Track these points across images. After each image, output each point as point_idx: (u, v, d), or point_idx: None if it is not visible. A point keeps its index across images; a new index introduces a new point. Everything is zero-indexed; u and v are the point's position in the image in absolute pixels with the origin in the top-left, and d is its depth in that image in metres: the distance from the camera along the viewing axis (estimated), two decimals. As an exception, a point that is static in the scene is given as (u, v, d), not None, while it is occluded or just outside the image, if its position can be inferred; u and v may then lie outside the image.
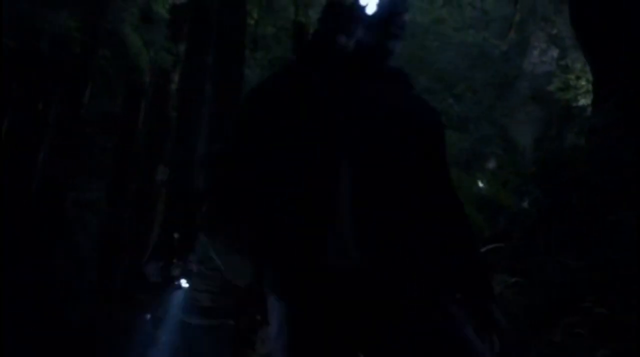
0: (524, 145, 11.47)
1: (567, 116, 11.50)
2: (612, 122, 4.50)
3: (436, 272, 1.28)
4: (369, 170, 1.26)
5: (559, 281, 3.89)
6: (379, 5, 1.41)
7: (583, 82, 11.42)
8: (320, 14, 1.51)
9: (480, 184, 10.12)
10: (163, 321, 2.64)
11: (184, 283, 2.68)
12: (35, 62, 7.52)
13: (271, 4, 12.76)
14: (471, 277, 1.37)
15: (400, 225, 1.26)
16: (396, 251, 1.24)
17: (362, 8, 1.41)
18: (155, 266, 2.76)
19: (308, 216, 1.23)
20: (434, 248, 1.30)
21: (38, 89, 7.85)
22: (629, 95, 4.39)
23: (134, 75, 8.12)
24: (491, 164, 12.13)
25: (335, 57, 1.40)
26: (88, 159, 10.04)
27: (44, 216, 7.93)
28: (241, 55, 8.71)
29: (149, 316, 2.67)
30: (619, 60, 4.66)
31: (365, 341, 1.23)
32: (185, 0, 8.29)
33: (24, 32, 6.93)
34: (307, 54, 1.50)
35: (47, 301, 6.53)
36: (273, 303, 1.27)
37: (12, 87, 7.70)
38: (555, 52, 13.65)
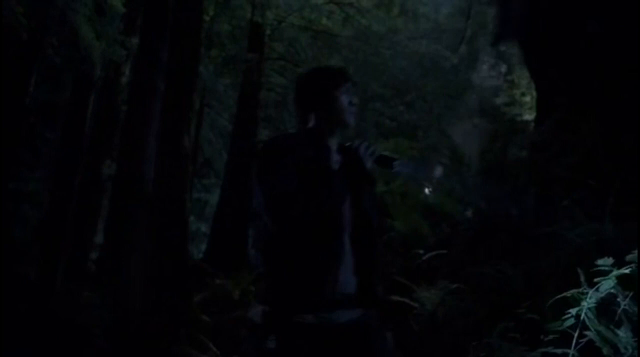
0: (470, 156, 11.86)
1: (512, 130, 11.97)
2: (552, 138, 4.77)
3: None
4: None
5: (497, 287, 4.09)
6: None
7: (528, 99, 11.95)
8: None
9: (427, 192, 10.39)
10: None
11: None
12: (-23, 46, 7.21)
13: (228, 1, 12.69)
14: None
15: None
16: None
17: None
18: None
19: None
20: None
21: (-21, 74, 7.53)
22: (568, 115, 4.67)
23: (84, 66, 7.90)
24: (437, 173, 12.42)
25: None
26: (30, 149, 9.68)
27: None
28: (196, 52, 8.63)
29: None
30: (561, 83, 4.95)
31: None
32: (140, -7, 8.16)
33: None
34: None
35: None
36: None
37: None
38: (503, 68, 14.22)
